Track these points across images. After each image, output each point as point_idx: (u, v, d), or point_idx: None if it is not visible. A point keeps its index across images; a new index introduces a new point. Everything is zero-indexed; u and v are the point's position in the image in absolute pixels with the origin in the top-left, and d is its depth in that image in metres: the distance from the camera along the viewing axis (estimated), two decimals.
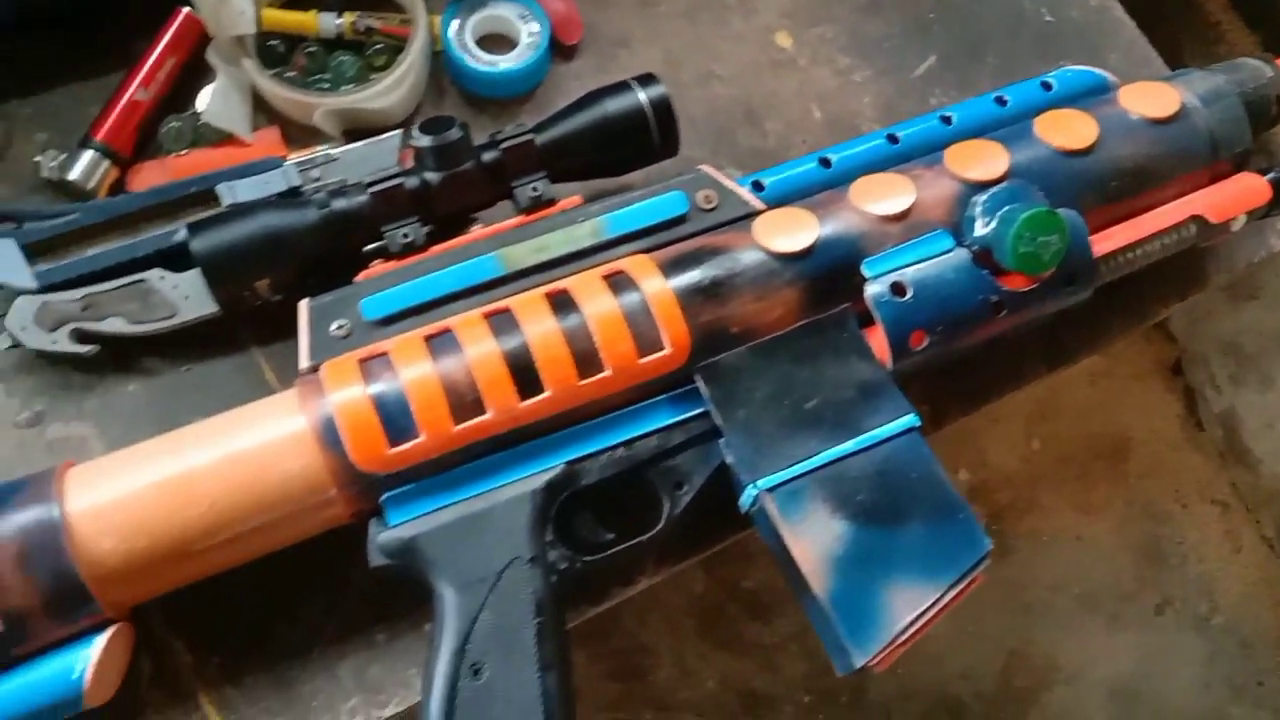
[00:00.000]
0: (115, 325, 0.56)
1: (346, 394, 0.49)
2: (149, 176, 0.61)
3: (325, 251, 0.54)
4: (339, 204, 0.54)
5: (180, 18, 0.62)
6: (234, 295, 0.54)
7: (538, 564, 0.50)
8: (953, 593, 0.48)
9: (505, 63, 0.65)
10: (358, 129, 0.63)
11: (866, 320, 0.53)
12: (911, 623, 0.47)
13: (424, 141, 0.55)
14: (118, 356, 0.57)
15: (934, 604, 0.47)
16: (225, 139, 0.62)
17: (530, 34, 0.67)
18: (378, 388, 0.49)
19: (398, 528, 0.49)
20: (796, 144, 0.68)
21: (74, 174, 0.59)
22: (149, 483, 0.47)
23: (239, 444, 0.49)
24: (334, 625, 0.54)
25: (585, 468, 0.52)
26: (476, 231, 0.56)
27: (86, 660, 0.47)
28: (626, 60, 0.69)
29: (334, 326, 0.52)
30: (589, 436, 0.52)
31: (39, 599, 0.46)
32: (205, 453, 0.48)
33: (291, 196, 0.58)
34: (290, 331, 0.58)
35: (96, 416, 0.57)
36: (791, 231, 0.54)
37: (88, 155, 0.59)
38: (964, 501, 0.50)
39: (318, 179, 0.61)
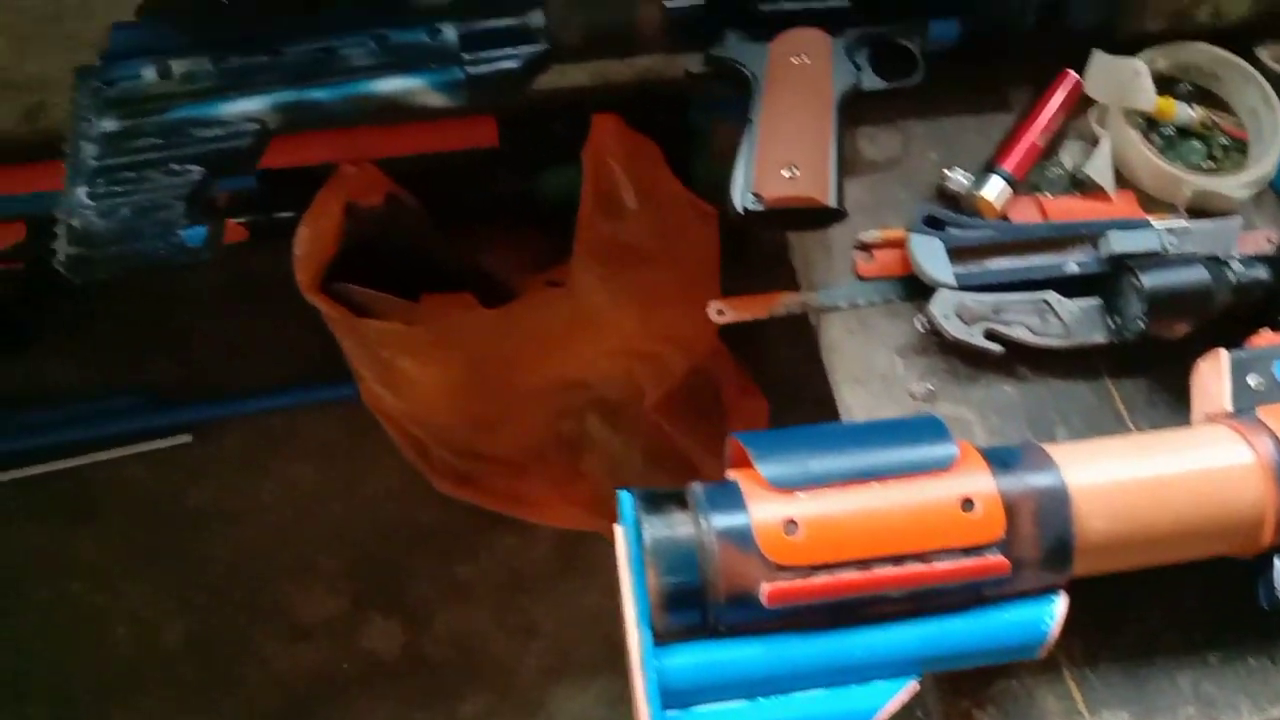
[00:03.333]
0: (1019, 332, 0.65)
1: None
2: (1023, 209, 0.70)
3: (1232, 310, 0.62)
4: (1257, 272, 0.62)
5: (1069, 82, 0.71)
6: (1162, 328, 0.62)
7: None
8: None
9: None
10: (1199, 207, 0.71)
11: None
12: None
13: None
14: (998, 359, 0.66)
15: None
16: (1091, 191, 0.70)
17: None
18: None
19: None
20: None
21: (984, 191, 0.68)
22: (1131, 478, 0.55)
23: (1200, 463, 0.56)
24: (1171, 638, 0.61)
25: None
26: None
27: (1053, 617, 0.54)
28: None
29: (1251, 379, 0.59)
30: None
31: (1039, 553, 0.54)
32: (1174, 464, 0.56)
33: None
34: (1140, 371, 0.67)
35: (979, 405, 0.65)
36: None
37: (995, 180, 0.68)
38: None
39: (1174, 244, 0.69)
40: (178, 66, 0.64)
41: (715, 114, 1.07)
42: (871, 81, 0.68)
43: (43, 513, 1.16)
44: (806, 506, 0.53)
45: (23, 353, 1.22)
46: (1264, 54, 0.73)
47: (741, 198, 0.63)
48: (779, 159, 0.63)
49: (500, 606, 1.14)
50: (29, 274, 1.07)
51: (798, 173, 0.63)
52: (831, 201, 0.63)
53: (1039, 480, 0.55)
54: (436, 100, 0.66)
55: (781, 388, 1.22)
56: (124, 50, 0.64)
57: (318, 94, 0.64)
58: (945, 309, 0.65)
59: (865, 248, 0.69)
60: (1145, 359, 0.66)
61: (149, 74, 0.63)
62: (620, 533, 0.57)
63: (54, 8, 0.87)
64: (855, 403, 0.65)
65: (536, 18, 0.66)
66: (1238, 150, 0.74)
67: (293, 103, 0.64)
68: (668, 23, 0.67)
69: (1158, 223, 0.69)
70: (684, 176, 1.10)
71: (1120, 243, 0.67)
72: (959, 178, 0.69)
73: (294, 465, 1.19)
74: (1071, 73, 0.72)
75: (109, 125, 0.63)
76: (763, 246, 1.28)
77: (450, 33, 0.66)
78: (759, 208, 0.62)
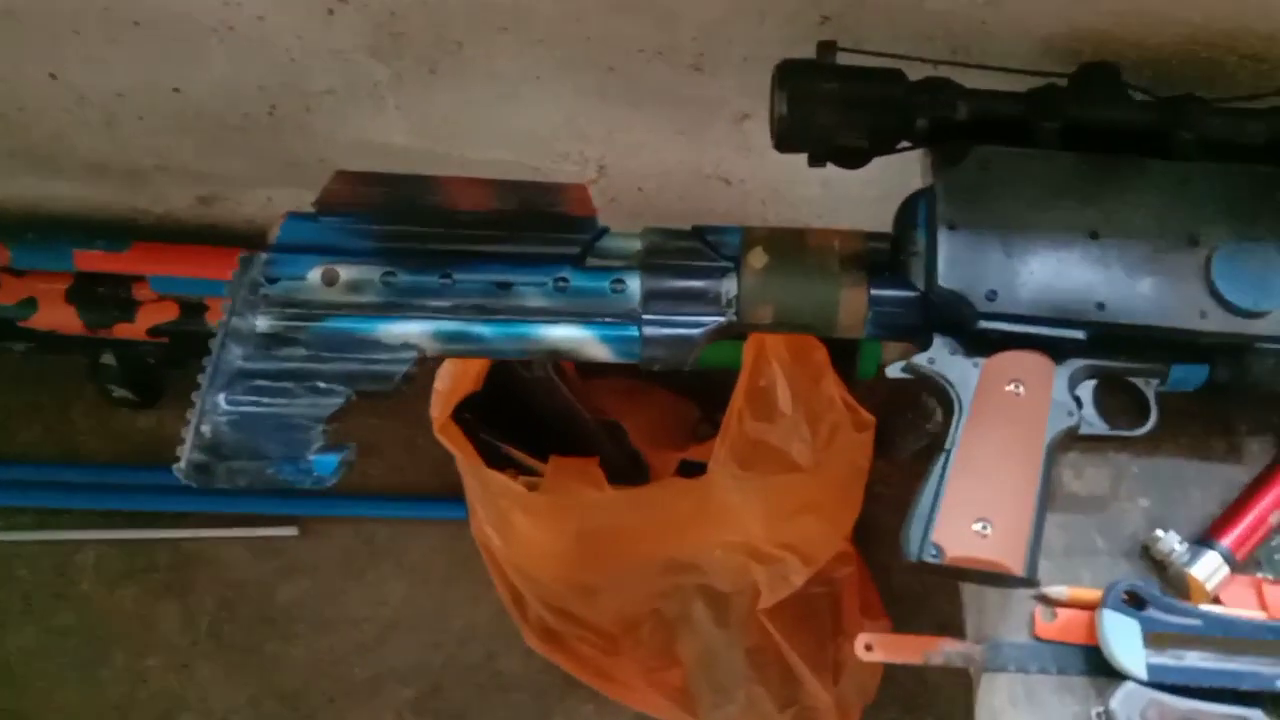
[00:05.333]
0: None
1: None
2: (1237, 593, 0.60)
3: None
4: None
5: None
6: None
7: None
8: None
9: None
10: None
11: None
12: None
13: None
14: None
15: None
16: None
17: None
18: None
19: None
20: None
21: (1196, 570, 0.59)
22: None
23: None
24: None
25: None
26: None
27: None
28: None
29: None
30: None
31: None
32: None
33: None
34: None
35: None
36: None
37: (1212, 557, 0.59)
38: None
39: None
40: (345, 273, 0.60)
41: None
42: (1091, 424, 0.59)
43: (139, 578, 1.16)
44: None
45: (151, 407, 1.22)
46: None
47: (919, 545, 0.55)
48: (971, 508, 0.55)
49: None
50: (171, 346, 1.07)
51: (990, 530, 0.55)
52: (1024, 571, 0.55)
53: None
54: (604, 354, 0.60)
55: (905, 603, 1.14)
56: (293, 244, 0.61)
57: (483, 330, 0.60)
58: (1130, 710, 0.56)
59: (1049, 602, 0.60)
60: None
61: (314, 277, 0.60)
62: None
63: (241, 121, 0.86)
64: None
65: (729, 286, 0.60)
66: None
67: (456, 334, 0.59)
68: (871, 312, 0.61)
69: None
70: (846, 370, 1.03)
71: None
72: (1171, 543, 0.60)
73: (389, 580, 1.16)
74: None
75: (262, 325, 0.59)
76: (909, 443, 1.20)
77: (634, 286, 0.60)
78: (937, 561, 0.55)
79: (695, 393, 1.12)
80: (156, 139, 0.90)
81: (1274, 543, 0.62)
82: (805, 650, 1.05)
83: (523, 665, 1.11)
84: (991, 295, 0.58)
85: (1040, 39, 0.72)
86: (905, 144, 0.66)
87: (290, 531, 1.17)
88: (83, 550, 1.16)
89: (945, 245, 0.59)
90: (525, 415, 1.04)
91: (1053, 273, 0.59)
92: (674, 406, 1.11)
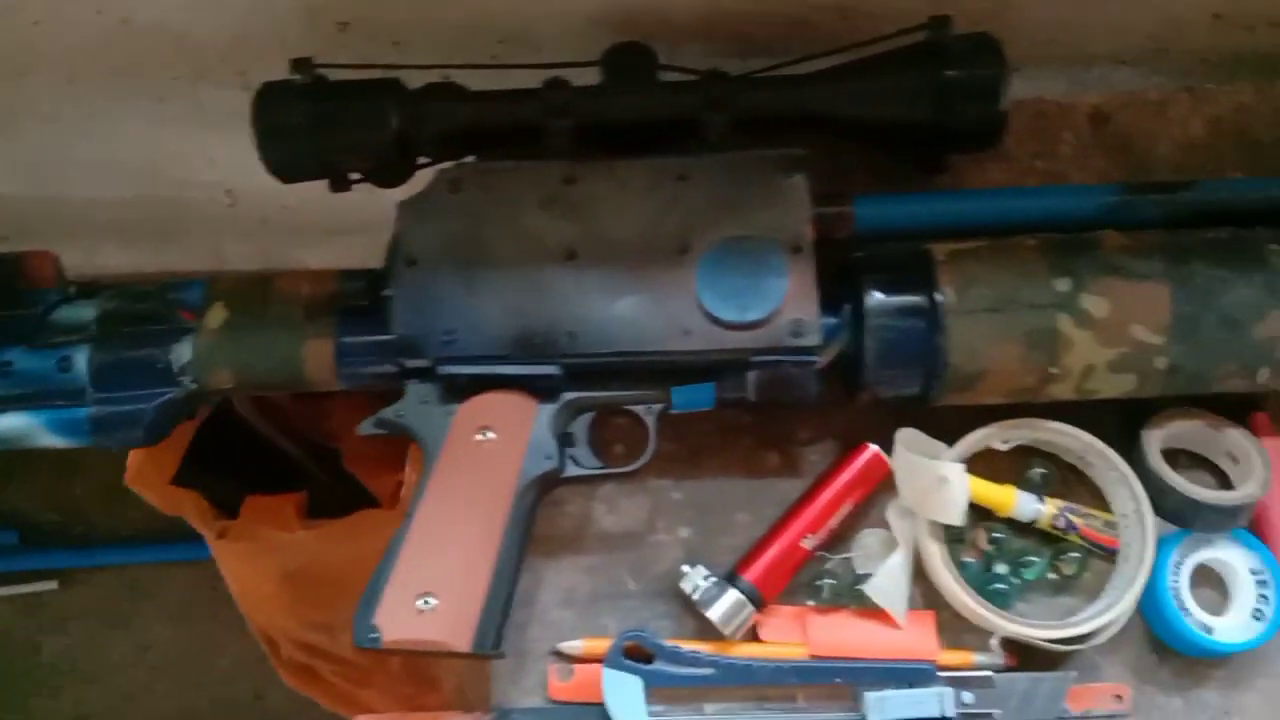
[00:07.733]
0: None
1: None
2: (780, 626, 0.55)
3: None
4: None
5: (866, 457, 0.55)
6: None
7: None
8: None
9: (1222, 631, 0.54)
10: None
11: None
12: None
13: None
14: None
15: None
16: (874, 609, 0.55)
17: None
18: None
19: None
20: None
21: (713, 613, 0.53)
22: None
23: None
24: None
25: None
26: None
27: None
28: None
29: None
30: None
31: None
32: None
33: None
34: None
35: None
36: None
37: (729, 597, 0.53)
38: None
39: (970, 704, 0.53)
40: None
41: None
42: (580, 463, 0.53)
43: None
44: None
45: None
46: (1150, 439, 0.55)
47: (361, 628, 0.50)
48: (418, 580, 0.50)
49: None
50: None
51: (435, 603, 0.49)
52: (470, 646, 0.49)
53: None
54: (57, 441, 0.55)
55: None
56: None
57: None
58: None
59: (564, 659, 0.55)
60: None
61: None
62: None
63: None
64: None
65: (182, 351, 0.54)
66: (1108, 561, 0.56)
67: None
68: (340, 363, 0.55)
69: (952, 673, 0.53)
70: None
71: (885, 709, 0.51)
72: (695, 580, 0.54)
73: (153, 625, 1.13)
74: (874, 450, 0.55)
75: None
76: None
77: (81, 363, 0.55)
78: (377, 646, 0.49)
79: None
80: None
81: (826, 565, 0.56)
82: None
83: (289, 702, 1.07)
84: (449, 336, 0.52)
85: (588, 19, 0.65)
86: (426, 160, 0.60)
87: (50, 585, 1.14)
88: None
89: (402, 284, 0.53)
90: (238, 453, 0.99)
91: (520, 304, 0.52)
92: None
